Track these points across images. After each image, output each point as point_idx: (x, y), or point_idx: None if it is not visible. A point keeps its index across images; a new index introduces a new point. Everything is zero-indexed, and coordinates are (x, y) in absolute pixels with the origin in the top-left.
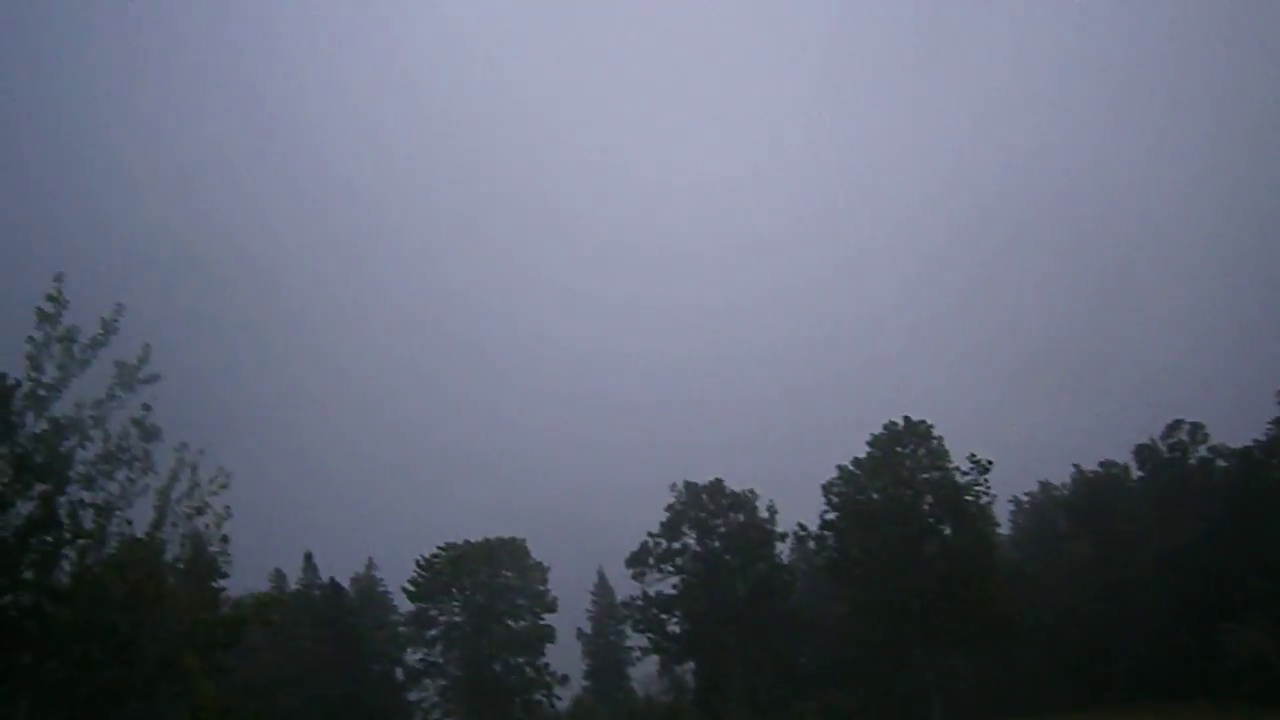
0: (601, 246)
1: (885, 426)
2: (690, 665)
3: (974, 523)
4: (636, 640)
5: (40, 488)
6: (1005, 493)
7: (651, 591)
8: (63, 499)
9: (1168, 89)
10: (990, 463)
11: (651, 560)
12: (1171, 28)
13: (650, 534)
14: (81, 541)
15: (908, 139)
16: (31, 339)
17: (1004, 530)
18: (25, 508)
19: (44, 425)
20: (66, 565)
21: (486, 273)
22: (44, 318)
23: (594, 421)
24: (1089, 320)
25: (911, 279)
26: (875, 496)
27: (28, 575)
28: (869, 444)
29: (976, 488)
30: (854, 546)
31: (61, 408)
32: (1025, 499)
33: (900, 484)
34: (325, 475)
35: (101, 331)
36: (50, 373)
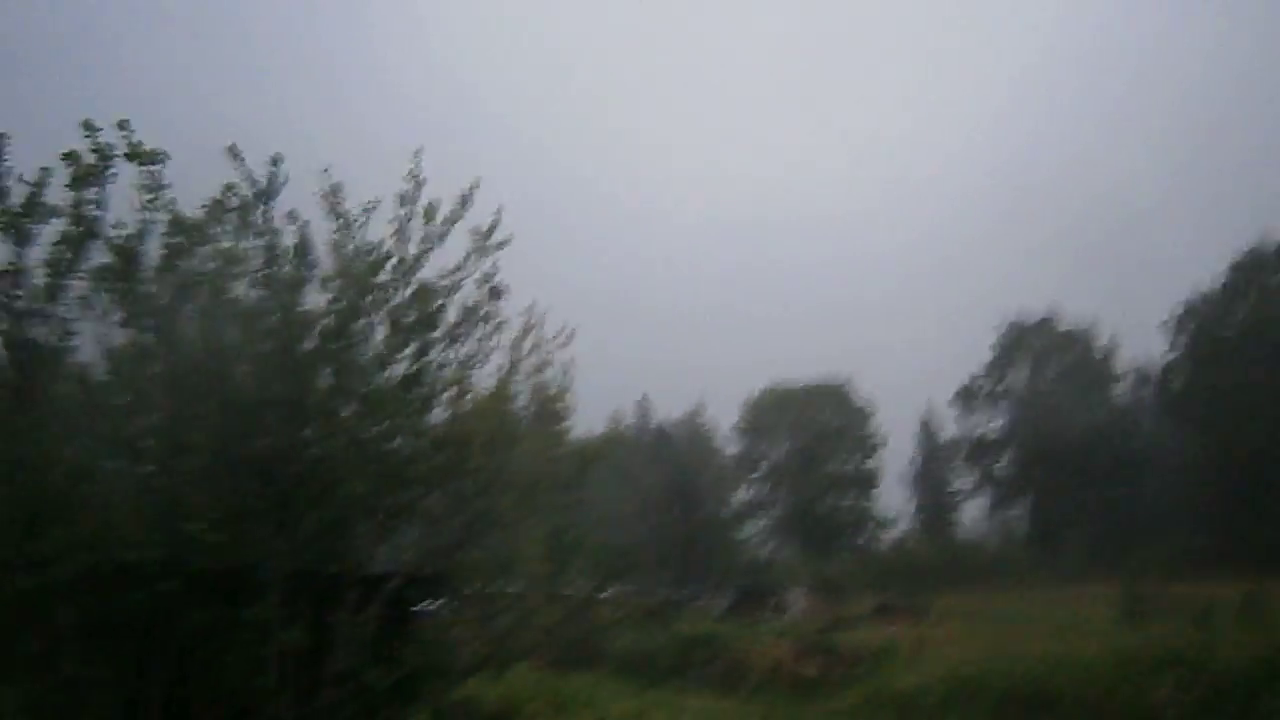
0: None
1: (1249, 251)
2: (1018, 510)
3: None
4: (963, 482)
5: (412, 347)
6: None
7: (977, 432)
8: (429, 357)
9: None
10: None
11: (978, 399)
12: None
13: (975, 374)
14: (447, 394)
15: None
16: (396, 216)
17: None
18: (399, 367)
19: (411, 291)
20: (435, 415)
21: None
22: (404, 199)
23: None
24: None
25: None
26: (1229, 332)
27: (410, 422)
28: (1230, 268)
29: None
30: (1209, 383)
31: (424, 275)
32: None
33: (1266, 309)
34: (657, 322)
35: (459, 205)
36: (413, 246)
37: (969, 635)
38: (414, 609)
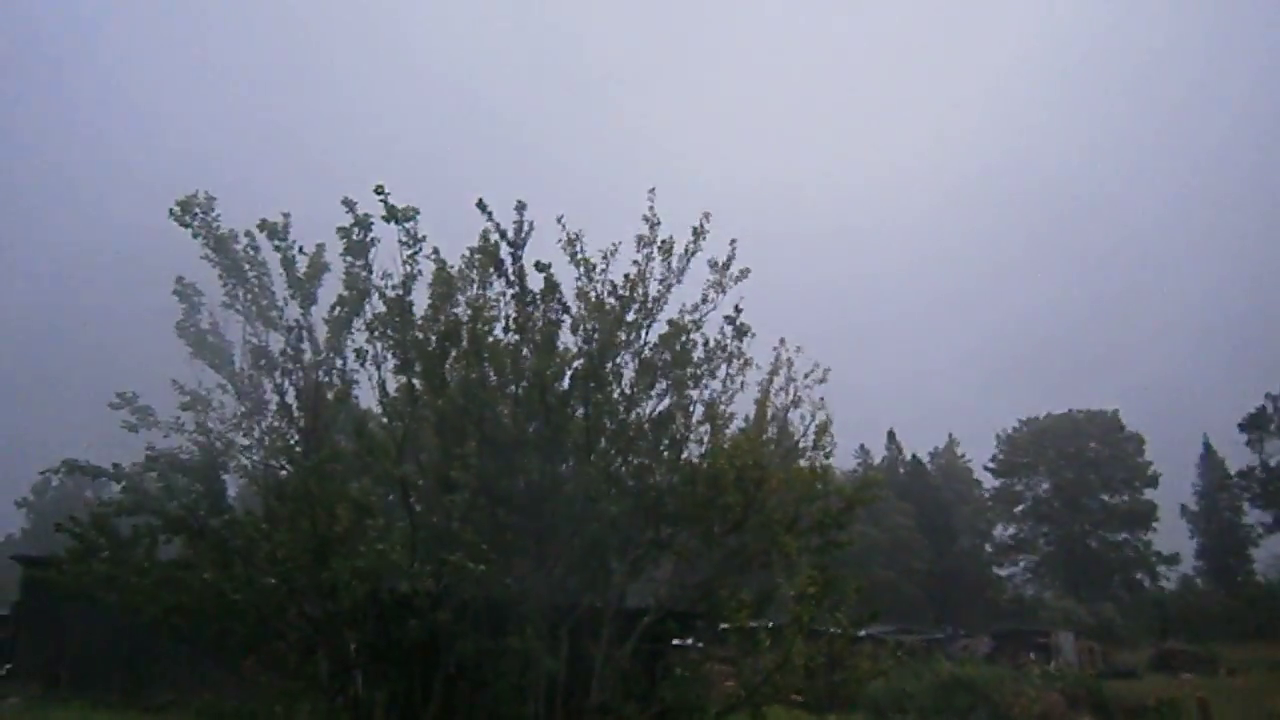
0: None
1: None
2: None
3: None
4: (1258, 516)
5: (661, 385)
6: None
7: (1273, 461)
8: (679, 394)
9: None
10: None
11: (1273, 425)
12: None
13: (1270, 395)
14: (698, 431)
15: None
16: (635, 261)
17: None
18: (650, 404)
19: (657, 331)
20: (688, 452)
21: None
22: (642, 240)
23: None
24: None
25: None
26: None
27: (662, 458)
28: None
29: None
30: None
31: (667, 312)
32: None
33: None
34: (905, 359)
35: (693, 239)
36: (654, 286)
37: (1271, 691)
38: (669, 644)
